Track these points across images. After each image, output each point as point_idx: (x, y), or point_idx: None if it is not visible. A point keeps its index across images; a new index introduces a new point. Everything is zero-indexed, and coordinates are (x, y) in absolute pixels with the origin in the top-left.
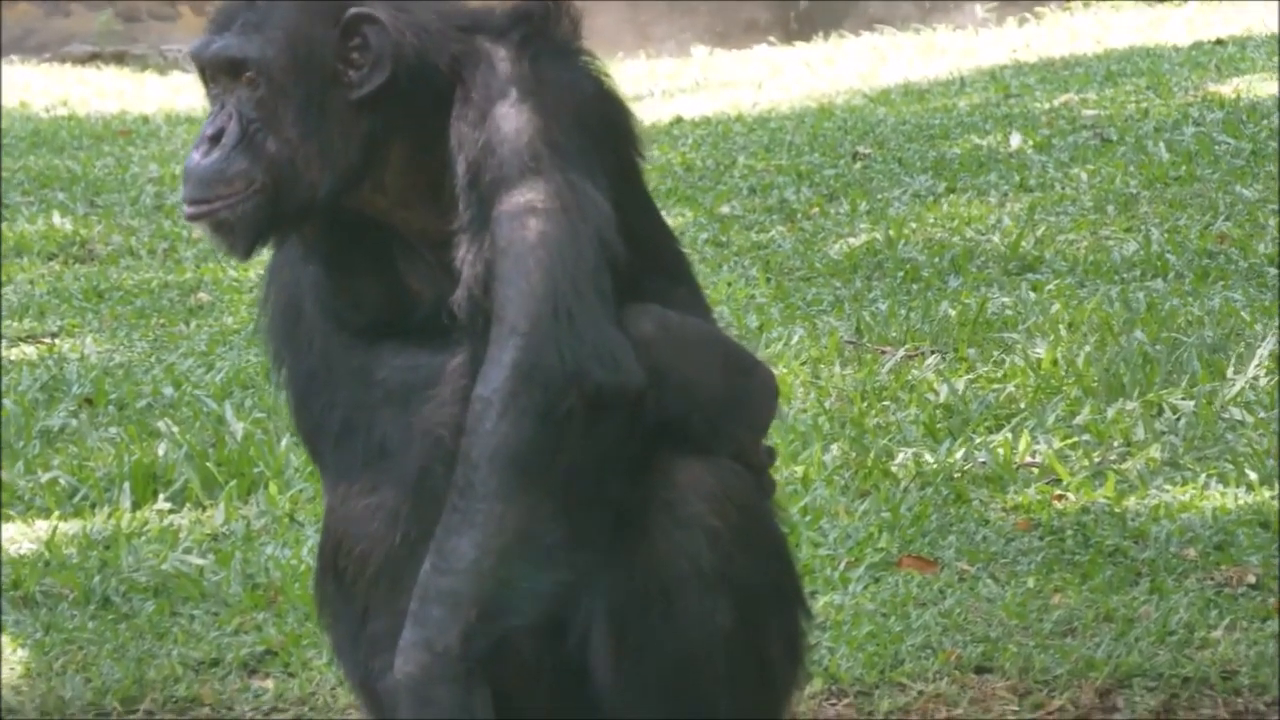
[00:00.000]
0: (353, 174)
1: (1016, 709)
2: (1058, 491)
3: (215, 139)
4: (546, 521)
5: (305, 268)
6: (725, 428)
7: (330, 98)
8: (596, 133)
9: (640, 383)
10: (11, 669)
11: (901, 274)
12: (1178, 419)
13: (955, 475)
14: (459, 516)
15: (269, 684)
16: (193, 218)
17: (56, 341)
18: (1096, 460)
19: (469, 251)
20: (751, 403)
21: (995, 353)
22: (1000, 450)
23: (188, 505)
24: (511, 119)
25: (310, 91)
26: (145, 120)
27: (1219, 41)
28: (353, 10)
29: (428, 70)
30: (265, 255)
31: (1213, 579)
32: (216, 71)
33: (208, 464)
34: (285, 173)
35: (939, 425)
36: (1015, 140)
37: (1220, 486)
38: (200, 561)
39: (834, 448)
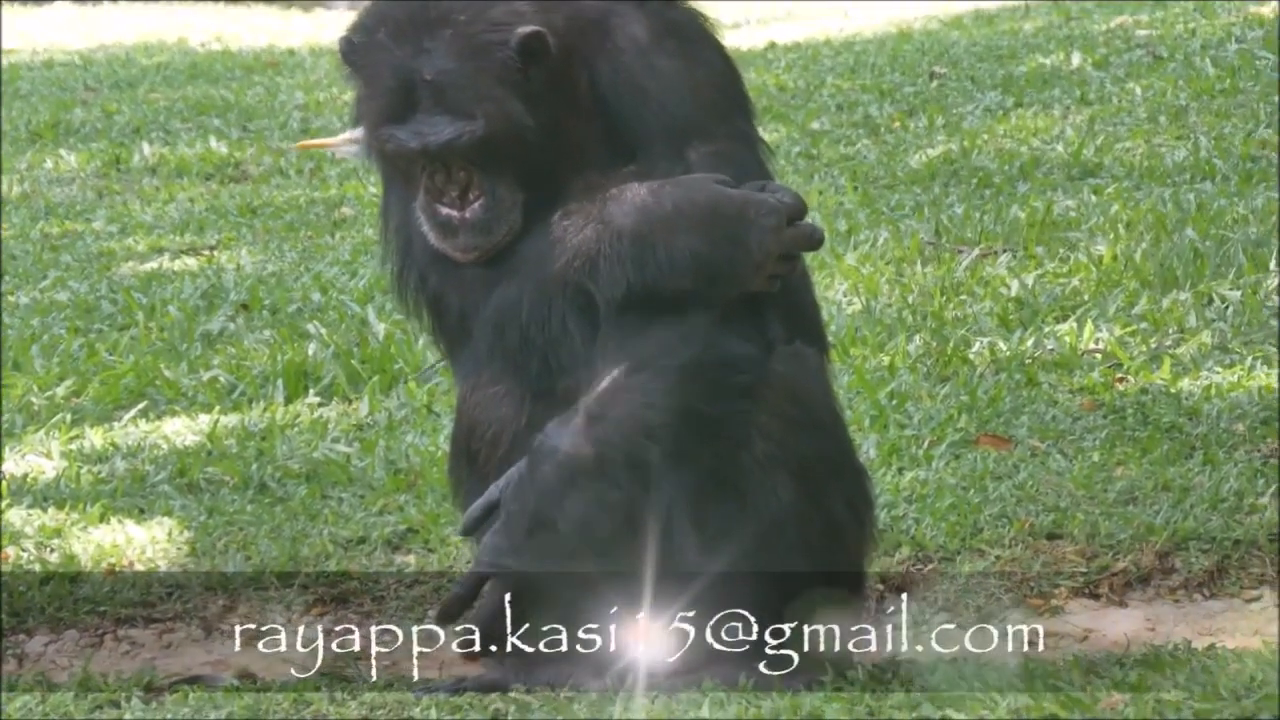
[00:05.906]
0: None
1: (1084, 571)
2: (1119, 374)
3: None
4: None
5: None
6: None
7: None
8: (732, 76)
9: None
10: (179, 548)
11: (975, 181)
12: (1226, 307)
13: (1026, 361)
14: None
15: (410, 559)
16: None
17: (215, 253)
18: (1153, 345)
19: None
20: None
21: (1061, 250)
22: (1067, 338)
23: (335, 399)
24: (670, 73)
25: None
26: (291, 53)
27: None
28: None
29: (571, 39)
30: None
31: (1259, 451)
32: None
33: (353, 362)
34: None
35: (1011, 316)
36: (1076, 59)
37: (1265, 368)
38: (347, 449)
39: (917, 338)
